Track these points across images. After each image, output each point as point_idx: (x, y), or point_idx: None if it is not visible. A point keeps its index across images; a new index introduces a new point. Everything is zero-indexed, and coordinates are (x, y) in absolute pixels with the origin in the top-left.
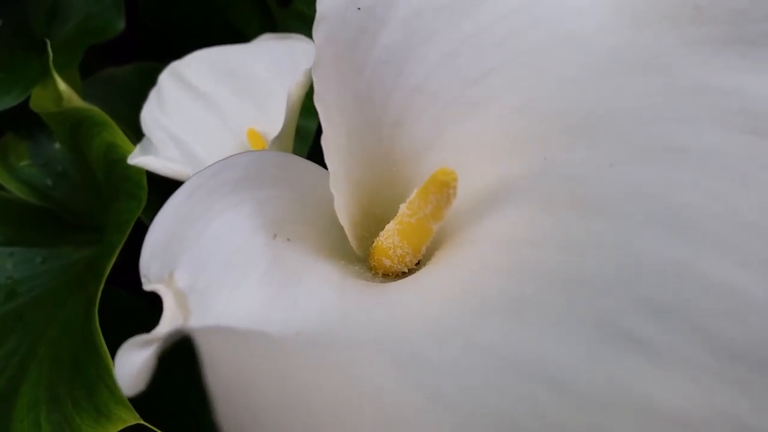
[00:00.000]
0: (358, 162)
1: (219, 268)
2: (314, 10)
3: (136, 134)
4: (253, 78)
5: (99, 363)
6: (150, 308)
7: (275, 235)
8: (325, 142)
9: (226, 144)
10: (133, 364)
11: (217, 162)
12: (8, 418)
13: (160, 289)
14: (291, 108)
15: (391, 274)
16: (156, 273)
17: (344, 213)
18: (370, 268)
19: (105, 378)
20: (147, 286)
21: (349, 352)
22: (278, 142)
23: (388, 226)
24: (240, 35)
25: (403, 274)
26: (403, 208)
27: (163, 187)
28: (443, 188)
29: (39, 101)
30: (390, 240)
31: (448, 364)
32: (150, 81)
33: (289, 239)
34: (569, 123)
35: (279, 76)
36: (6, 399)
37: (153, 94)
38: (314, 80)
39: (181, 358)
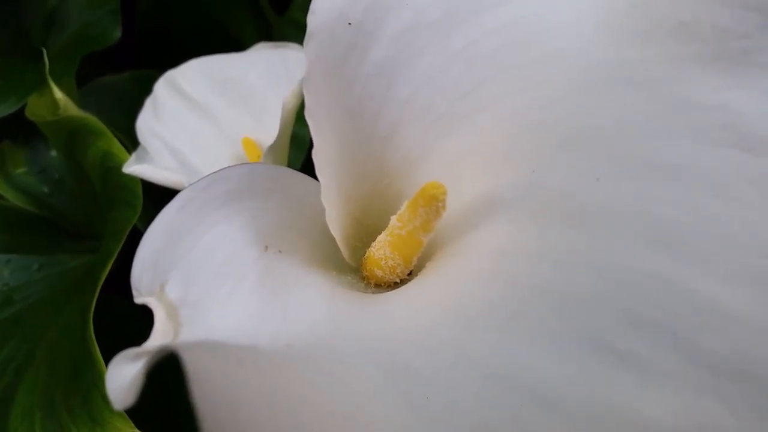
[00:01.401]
0: (350, 174)
1: (210, 281)
2: None
3: (132, 142)
4: (249, 87)
5: (93, 370)
6: (145, 316)
7: (266, 247)
8: (316, 155)
9: (221, 153)
10: (124, 378)
11: (209, 174)
12: (4, 425)
13: (150, 302)
14: (286, 117)
15: (383, 284)
16: (147, 286)
17: (336, 224)
18: (363, 279)
19: (99, 386)
20: (138, 299)
21: (339, 364)
22: (273, 150)
23: (379, 238)
24: (236, 43)
25: (395, 284)
26: (393, 220)
27: (158, 195)
28: (432, 201)
29: (35, 109)
30: (381, 251)
31: (438, 376)
32: (146, 89)
33: (280, 251)
34: (557, 137)
35: (274, 84)
36: (3, 406)
37: (148, 103)
38: (305, 95)
39: (173, 368)
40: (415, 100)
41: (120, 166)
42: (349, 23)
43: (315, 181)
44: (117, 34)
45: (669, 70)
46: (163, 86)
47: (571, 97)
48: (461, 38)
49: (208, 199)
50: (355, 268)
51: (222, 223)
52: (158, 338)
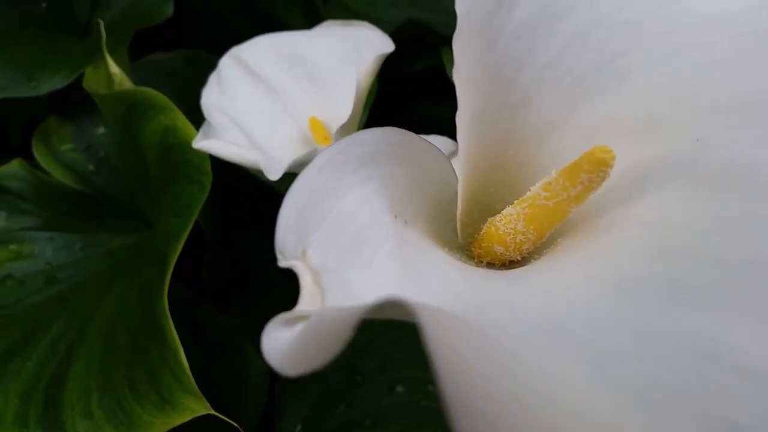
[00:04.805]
0: (477, 144)
1: (349, 245)
2: (359, 2)
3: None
4: (316, 65)
5: (163, 347)
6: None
7: (395, 215)
8: (459, 119)
9: (286, 131)
10: (281, 342)
11: (343, 139)
12: (59, 404)
13: (296, 265)
14: (359, 97)
15: (497, 262)
16: (291, 249)
17: (461, 196)
18: (472, 257)
19: (171, 363)
20: (282, 263)
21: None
22: (344, 130)
23: (507, 211)
24: (281, 25)
25: (510, 263)
26: (536, 190)
27: None
28: (600, 167)
29: (91, 83)
30: (510, 225)
31: (627, 355)
32: (194, 68)
33: (405, 221)
34: (719, 103)
35: (342, 63)
36: (56, 385)
37: (213, 78)
38: (454, 53)
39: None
40: (554, 64)
41: (184, 141)
42: None
43: (439, 151)
44: (169, 10)
45: None
46: (228, 62)
47: (736, 61)
48: (607, 0)
49: (344, 162)
50: (462, 245)
51: (358, 186)
52: (307, 302)
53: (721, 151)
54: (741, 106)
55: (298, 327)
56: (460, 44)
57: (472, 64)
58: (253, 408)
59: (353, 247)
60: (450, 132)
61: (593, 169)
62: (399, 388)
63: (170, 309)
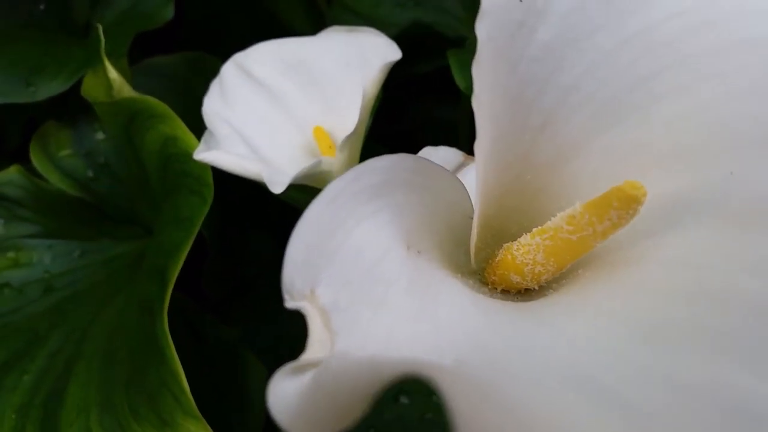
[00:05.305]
0: (495, 168)
1: (362, 283)
2: (363, 4)
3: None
4: (321, 72)
5: (163, 368)
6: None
7: (408, 247)
8: (477, 145)
9: (291, 140)
10: (288, 395)
11: (356, 167)
12: (57, 421)
13: (305, 307)
14: (365, 106)
15: (512, 290)
16: (299, 289)
17: (476, 223)
18: (486, 283)
19: (171, 385)
20: (290, 304)
21: (517, 382)
22: (350, 141)
23: (523, 240)
24: (285, 28)
25: (526, 291)
26: (557, 222)
27: None
28: (630, 203)
29: (89, 90)
30: (529, 256)
31: (657, 408)
32: (196, 71)
33: (419, 251)
34: (756, 135)
35: (348, 71)
36: (54, 400)
37: (215, 86)
38: (474, 79)
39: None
40: (578, 87)
41: (185, 151)
42: (521, 0)
43: (453, 176)
44: (169, 13)
45: None
46: (230, 69)
47: None
48: (638, 21)
49: (355, 193)
50: (475, 270)
51: (370, 218)
52: (316, 349)
53: (753, 185)
54: None
55: (307, 376)
56: (480, 70)
57: (492, 89)
58: (256, 419)
59: (366, 285)
60: (453, 133)
61: (622, 206)
62: (403, 400)
63: (171, 320)
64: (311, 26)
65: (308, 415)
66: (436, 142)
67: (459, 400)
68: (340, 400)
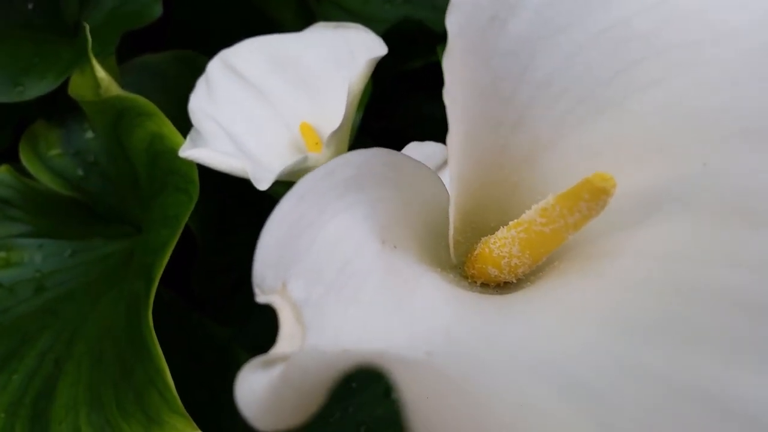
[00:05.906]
0: (471, 162)
1: (333, 278)
2: (353, 0)
3: (174, 123)
4: (307, 68)
5: (149, 366)
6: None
7: (383, 242)
8: (450, 139)
9: (277, 136)
10: (256, 389)
11: (330, 161)
12: (46, 419)
13: (275, 301)
14: (351, 101)
15: (491, 283)
16: (270, 283)
17: (452, 217)
18: (466, 276)
19: (156, 382)
20: (260, 298)
21: (489, 374)
22: (336, 136)
23: (501, 234)
24: (274, 25)
25: (505, 284)
26: (531, 215)
27: None
28: (600, 195)
29: (77, 89)
30: (505, 249)
31: (624, 398)
32: (185, 69)
33: (395, 246)
34: (731, 127)
35: (334, 67)
36: (43, 399)
37: (201, 84)
38: (445, 73)
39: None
40: (552, 82)
41: (171, 149)
42: None
43: (430, 170)
44: (158, 11)
45: None
46: (216, 65)
47: (748, 81)
48: (611, 15)
49: (329, 187)
50: (456, 265)
51: (343, 213)
52: (286, 343)
53: (732, 178)
54: (755, 131)
55: (276, 370)
56: (450, 64)
57: (463, 85)
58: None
59: (338, 280)
60: (444, 131)
61: (593, 198)
62: (395, 396)
63: (161, 319)
64: (301, 24)
65: (275, 408)
66: (426, 139)
67: (413, 392)
68: (305, 394)
